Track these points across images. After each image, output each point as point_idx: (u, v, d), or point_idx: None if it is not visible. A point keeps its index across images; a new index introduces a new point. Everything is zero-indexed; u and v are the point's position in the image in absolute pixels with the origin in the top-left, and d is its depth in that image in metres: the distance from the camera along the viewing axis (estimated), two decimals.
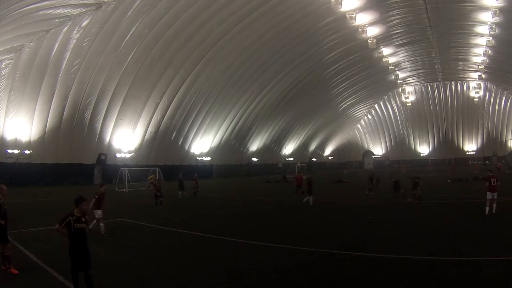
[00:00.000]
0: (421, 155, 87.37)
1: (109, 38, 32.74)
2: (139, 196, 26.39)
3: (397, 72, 65.35)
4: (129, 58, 35.50)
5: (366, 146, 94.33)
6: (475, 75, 69.09)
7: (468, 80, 74.31)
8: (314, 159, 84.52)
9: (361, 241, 10.09)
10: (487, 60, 57.36)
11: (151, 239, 11.30)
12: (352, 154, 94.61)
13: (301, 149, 78.10)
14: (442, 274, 7.09)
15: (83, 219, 6.14)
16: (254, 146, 63.69)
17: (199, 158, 53.21)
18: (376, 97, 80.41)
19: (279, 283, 6.94)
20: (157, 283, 7.01)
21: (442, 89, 78.41)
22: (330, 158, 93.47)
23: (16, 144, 33.94)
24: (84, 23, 30.63)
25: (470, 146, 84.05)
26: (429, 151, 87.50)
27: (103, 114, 38.47)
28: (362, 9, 39.67)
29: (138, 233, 12.35)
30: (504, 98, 75.71)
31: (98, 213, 11.80)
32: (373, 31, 45.50)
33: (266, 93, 52.45)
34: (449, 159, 79.17)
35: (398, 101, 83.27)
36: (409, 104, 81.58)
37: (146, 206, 20.64)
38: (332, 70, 54.56)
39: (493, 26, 42.91)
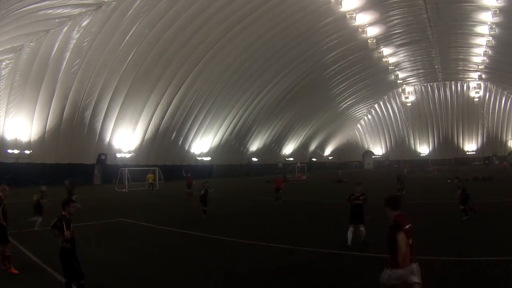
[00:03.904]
0: (421, 155, 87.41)
1: (109, 38, 32.76)
2: (139, 196, 26.39)
3: (397, 72, 65.38)
4: (129, 58, 35.51)
5: (366, 146, 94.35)
6: (475, 75, 69.11)
7: (468, 80, 74.33)
8: (314, 159, 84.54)
9: (360, 240, 10.07)
10: (487, 60, 57.38)
11: (150, 238, 11.30)
12: (352, 154, 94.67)
13: (301, 149, 78.10)
14: (442, 274, 7.09)
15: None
16: (254, 146, 63.68)
17: (199, 158, 53.21)
18: (376, 97, 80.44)
19: (279, 283, 6.94)
20: (156, 283, 7.00)
21: (442, 89, 78.47)
22: (330, 158, 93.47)
23: (16, 144, 33.94)
24: (84, 23, 30.65)
25: (470, 146, 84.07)
26: (429, 151, 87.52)
27: (103, 114, 38.49)
28: (362, 9, 39.69)
29: (137, 233, 12.34)
30: (504, 98, 75.77)
31: None
32: (373, 31, 45.52)
33: (266, 93, 52.45)
34: (449, 159, 79.21)
35: (398, 101, 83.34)
36: (409, 104, 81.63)
37: (146, 206, 20.64)
38: (332, 70, 54.58)
39: (493, 26, 42.93)
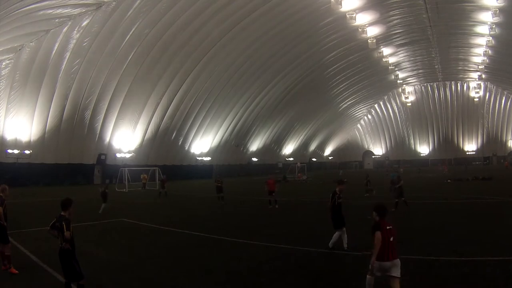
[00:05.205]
0: (421, 155, 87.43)
1: (109, 38, 32.76)
2: (138, 196, 26.40)
3: (397, 72, 65.37)
4: (129, 58, 35.52)
5: (366, 146, 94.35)
6: (475, 75, 69.12)
7: (468, 80, 74.35)
8: (314, 159, 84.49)
9: (361, 241, 10.07)
10: (487, 60, 57.38)
11: (150, 239, 11.29)
12: (352, 154, 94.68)
13: (301, 149, 78.10)
14: (442, 274, 7.09)
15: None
16: (254, 146, 63.67)
17: (199, 158, 53.22)
18: (376, 97, 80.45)
19: (279, 283, 6.94)
20: (156, 283, 7.00)
21: (442, 89, 78.51)
22: (330, 158, 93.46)
23: (16, 144, 33.95)
24: (84, 23, 30.66)
25: (470, 146, 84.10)
26: (429, 151, 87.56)
27: (103, 114, 38.50)
28: (362, 9, 39.68)
29: (138, 233, 12.34)
30: (504, 98, 75.81)
31: None
32: (373, 31, 45.51)
33: (266, 93, 52.46)
34: (449, 159, 79.22)
35: (398, 101, 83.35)
36: (409, 104, 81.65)
37: (146, 206, 20.65)
38: (332, 70, 54.57)
39: (493, 26, 42.93)
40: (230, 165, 59.57)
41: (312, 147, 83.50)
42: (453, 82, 76.24)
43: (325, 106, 67.31)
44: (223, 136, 54.35)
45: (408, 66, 64.68)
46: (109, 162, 41.82)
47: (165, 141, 46.11)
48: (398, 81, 71.76)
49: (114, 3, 30.00)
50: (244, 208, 19.26)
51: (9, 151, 33.54)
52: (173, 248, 10.05)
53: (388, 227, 5.42)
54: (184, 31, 35.37)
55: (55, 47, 31.35)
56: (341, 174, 50.52)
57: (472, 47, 54.12)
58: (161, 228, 13.02)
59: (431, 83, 77.65)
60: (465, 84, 76.22)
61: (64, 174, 37.81)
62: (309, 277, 7.21)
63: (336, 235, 8.99)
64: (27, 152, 34.43)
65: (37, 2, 25.37)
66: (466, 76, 72.00)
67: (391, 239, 5.35)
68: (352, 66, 55.47)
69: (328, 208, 9.19)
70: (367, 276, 5.48)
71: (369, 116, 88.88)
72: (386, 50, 53.86)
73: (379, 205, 5.70)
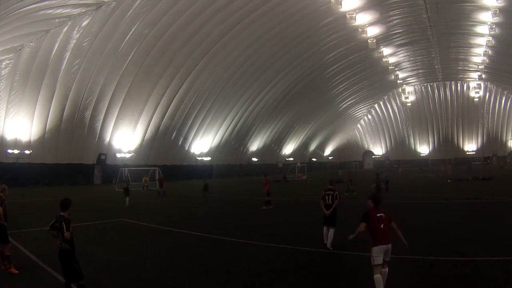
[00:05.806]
0: (421, 155, 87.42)
1: (109, 38, 32.76)
2: (138, 196, 26.38)
3: (397, 72, 65.37)
4: (129, 58, 35.52)
5: (366, 146, 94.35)
6: (475, 75, 69.13)
7: (468, 80, 74.36)
8: (314, 159, 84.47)
9: (361, 241, 10.06)
10: (487, 60, 57.39)
11: (150, 239, 11.29)
12: (352, 154, 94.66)
13: (301, 149, 78.10)
14: (442, 274, 7.09)
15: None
16: (254, 146, 63.66)
17: (199, 158, 53.21)
18: (376, 97, 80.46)
19: (279, 283, 6.94)
20: (156, 283, 7.00)
21: (442, 89, 78.52)
22: (330, 158, 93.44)
23: (16, 144, 33.95)
24: (84, 23, 30.66)
25: (470, 146, 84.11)
26: (429, 151, 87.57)
27: (103, 114, 38.50)
28: (362, 9, 39.69)
29: (138, 233, 12.34)
30: (504, 98, 75.82)
31: None
32: (373, 31, 45.51)
33: (266, 93, 52.45)
34: (449, 159, 79.25)
35: (398, 101, 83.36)
36: (409, 104, 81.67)
37: (146, 206, 20.66)
38: (332, 70, 54.58)
39: (493, 26, 42.94)
40: (230, 165, 59.55)
41: (312, 147, 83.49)
42: (453, 82, 76.24)
43: (325, 106, 67.30)
44: (223, 136, 54.35)
45: (408, 66, 64.68)
46: (109, 162, 41.82)
47: (165, 141, 46.12)
48: (398, 81, 71.76)
49: (114, 3, 29.99)
50: (244, 208, 19.25)
51: (9, 151, 33.54)
52: (173, 248, 10.05)
53: (378, 215, 5.86)
54: (184, 31, 35.37)
55: (55, 47, 31.35)
56: (341, 174, 50.49)
57: (472, 47, 54.13)
58: (161, 228, 13.02)
59: (431, 83, 77.66)
60: (465, 84, 76.22)
61: (64, 174, 37.82)
62: (309, 277, 7.21)
63: (331, 233, 9.33)
64: (27, 152, 34.42)
65: (37, 2, 25.36)
66: (466, 76, 72.00)
67: (382, 226, 5.78)
68: (352, 66, 55.47)
69: (336, 206, 9.84)
70: (375, 276, 5.75)
71: (369, 116, 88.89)
72: (386, 50, 53.86)
73: (374, 194, 6.35)
